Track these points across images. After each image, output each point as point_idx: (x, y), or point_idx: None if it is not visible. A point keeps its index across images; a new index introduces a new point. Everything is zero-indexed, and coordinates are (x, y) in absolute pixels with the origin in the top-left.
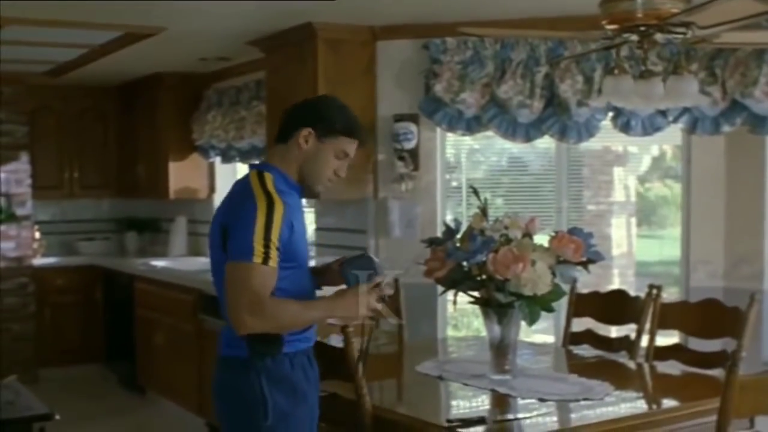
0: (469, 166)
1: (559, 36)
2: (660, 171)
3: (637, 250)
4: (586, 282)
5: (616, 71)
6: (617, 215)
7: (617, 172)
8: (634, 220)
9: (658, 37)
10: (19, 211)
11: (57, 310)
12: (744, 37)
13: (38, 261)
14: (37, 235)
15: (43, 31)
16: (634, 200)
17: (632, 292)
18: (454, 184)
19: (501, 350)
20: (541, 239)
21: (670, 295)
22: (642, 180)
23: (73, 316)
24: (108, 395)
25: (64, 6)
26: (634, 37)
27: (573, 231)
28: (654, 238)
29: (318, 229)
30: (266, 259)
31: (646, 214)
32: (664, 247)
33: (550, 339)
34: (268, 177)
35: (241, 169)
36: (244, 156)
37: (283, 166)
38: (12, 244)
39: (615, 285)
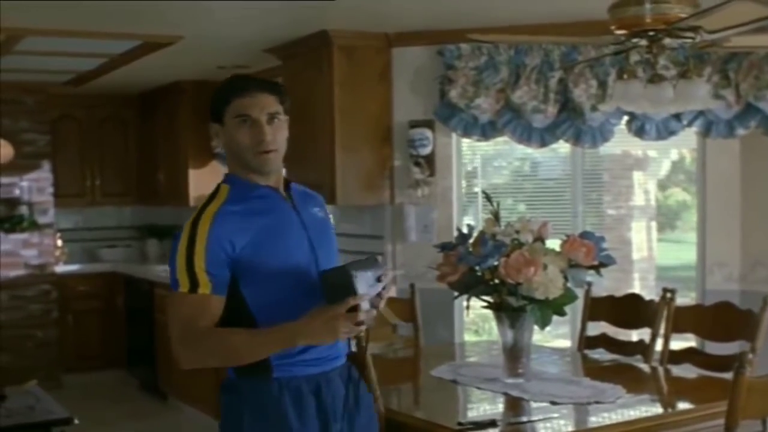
0: (492, 171)
1: (568, 41)
2: (680, 175)
3: (658, 254)
4: (607, 287)
5: (625, 76)
6: (637, 219)
7: (637, 176)
8: (654, 225)
9: (667, 41)
10: (42, 219)
11: (79, 317)
12: (753, 40)
13: (60, 268)
14: (60, 242)
15: (63, 41)
16: (654, 204)
17: (654, 296)
18: (475, 189)
19: (514, 354)
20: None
21: (691, 299)
22: (662, 185)
23: (95, 322)
24: (129, 400)
25: (82, 16)
26: (644, 42)
27: (584, 235)
28: (675, 242)
29: (336, 235)
30: (194, 286)
31: (667, 217)
32: (685, 251)
33: (568, 343)
34: (223, 189)
35: None
36: None
37: (231, 169)
38: (35, 252)
39: (636, 289)
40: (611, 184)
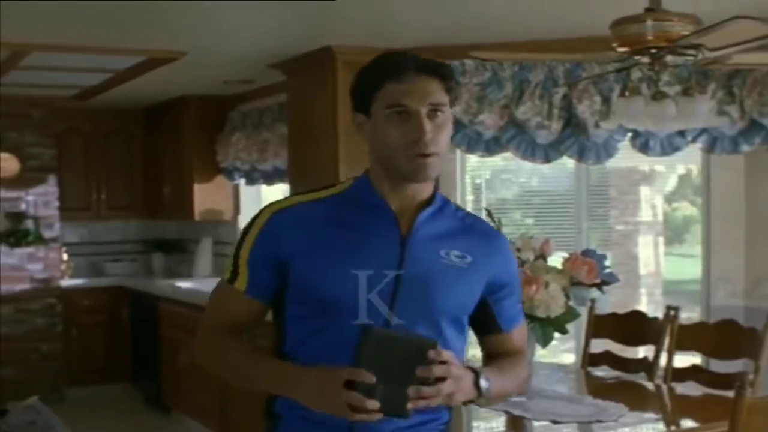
0: (500, 184)
1: (571, 59)
2: (687, 189)
3: (665, 268)
4: (614, 302)
5: (627, 93)
6: (644, 235)
7: (644, 191)
8: (661, 240)
9: (669, 59)
10: (47, 234)
11: (84, 331)
12: (756, 57)
13: (66, 282)
14: (65, 256)
15: (68, 56)
16: (661, 220)
17: (660, 312)
18: (484, 204)
19: None
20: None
21: (697, 314)
22: (668, 199)
23: (100, 336)
24: (134, 414)
25: (87, 32)
26: (646, 59)
27: (587, 252)
28: (682, 256)
29: None
30: (233, 276)
31: (675, 232)
32: (692, 265)
33: (573, 357)
34: (344, 183)
35: (266, 192)
36: (267, 178)
37: (371, 169)
38: (40, 266)
39: (643, 305)
40: (618, 199)
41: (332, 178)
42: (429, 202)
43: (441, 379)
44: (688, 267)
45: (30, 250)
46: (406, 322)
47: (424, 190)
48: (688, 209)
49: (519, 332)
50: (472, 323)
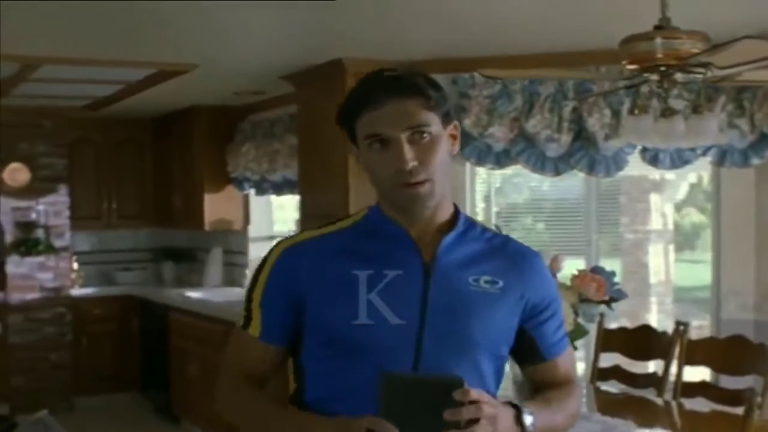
0: (511, 189)
1: (580, 77)
2: (698, 195)
3: (675, 274)
4: (624, 310)
5: (636, 111)
6: (654, 243)
7: (654, 199)
8: (672, 248)
9: (678, 76)
10: (58, 243)
11: (94, 340)
12: (765, 75)
13: (76, 291)
14: (75, 265)
15: (80, 69)
16: (671, 228)
17: (671, 320)
18: (496, 209)
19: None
20: (575, 264)
21: (707, 323)
22: (679, 206)
23: (110, 345)
24: (143, 424)
25: (99, 45)
26: (655, 77)
27: (596, 270)
28: (693, 262)
29: None
30: (246, 322)
31: (686, 237)
32: (703, 271)
33: (582, 366)
34: (358, 214)
35: (276, 202)
36: (277, 189)
37: (379, 199)
38: (50, 275)
39: (653, 313)
40: (628, 207)
41: (342, 190)
42: (451, 225)
43: (473, 421)
44: (699, 273)
45: (40, 259)
46: (439, 360)
47: (442, 213)
48: (698, 216)
49: (565, 360)
50: (512, 353)
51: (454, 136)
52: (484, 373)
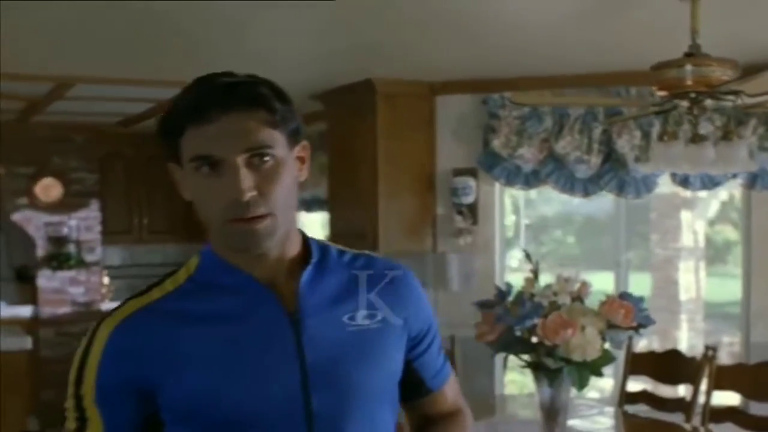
0: (542, 202)
1: (610, 104)
2: (731, 213)
3: (707, 289)
4: (653, 328)
5: (665, 137)
6: (685, 260)
7: (685, 216)
8: (702, 265)
9: (709, 103)
10: (89, 257)
11: None
12: None
13: (107, 305)
14: (106, 280)
15: (112, 88)
16: (702, 245)
17: (701, 338)
18: (526, 221)
19: (552, 414)
20: (604, 278)
21: (735, 341)
22: (711, 222)
23: None
24: None
25: (131, 64)
26: (685, 103)
27: (624, 296)
28: (723, 276)
29: None
30: (81, 423)
31: (717, 252)
32: (734, 286)
33: (611, 383)
34: (189, 265)
35: (306, 220)
36: (307, 206)
37: (211, 239)
38: (81, 289)
39: (683, 331)
40: (659, 223)
41: (371, 208)
42: (304, 258)
43: None
44: (730, 287)
45: (71, 273)
46: (335, 425)
47: (291, 247)
48: (730, 233)
49: (452, 386)
50: None
51: (302, 159)
52: (379, 421)
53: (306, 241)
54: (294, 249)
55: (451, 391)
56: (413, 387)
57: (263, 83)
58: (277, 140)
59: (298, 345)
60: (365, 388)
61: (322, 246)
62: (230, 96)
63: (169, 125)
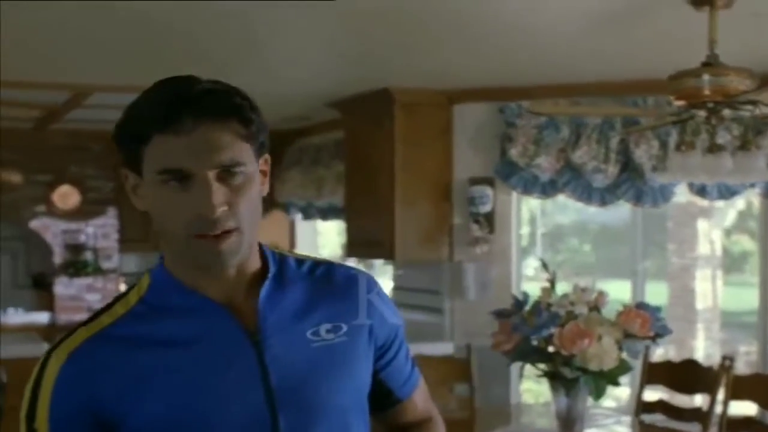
0: (557, 211)
1: (628, 114)
2: (749, 222)
3: (724, 298)
4: (671, 337)
5: (683, 147)
6: (702, 269)
7: (702, 225)
8: (719, 274)
9: (726, 113)
10: (106, 265)
11: None
12: None
13: None
14: (123, 287)
15: (130, 96)
16: (719, 254)
17: (718, 347)
18: (542, 229)
19: (568, 423)
20: (621, 287)
21: (753, 350)
22: (728, 232)
23: None
24: None
25: (149, 73)
26: (702, 113)
27: (641, 306)
28: (741, 285)
29: (396, 288)
30: None
31: (733, 261)
32: (751, 294)
33: (627, 391)
34: (140, 286)
35: (322, 227)
36: (324, 214)
37: (165, 254)
38: (98, 296)
39: (699, 340)
40: (676, 232)
41: (388, 217)
42: (261, 271)
43: None
44: (747, 296)
45: (88, 280)
46: None
47: (252, 263)
48: (747, 242)
49: (421, 394)
50: None
51: (264, 173)
52: None
53: (262, 249)
54: (254, 265)
55: (420, 399)
56: (382, 397)
57: (236, 92)
58: (247, 155)
59: (261, 365)
60: (334, 405)
61: (278, 255)
62: (205, 105)
63: (133, 131)
